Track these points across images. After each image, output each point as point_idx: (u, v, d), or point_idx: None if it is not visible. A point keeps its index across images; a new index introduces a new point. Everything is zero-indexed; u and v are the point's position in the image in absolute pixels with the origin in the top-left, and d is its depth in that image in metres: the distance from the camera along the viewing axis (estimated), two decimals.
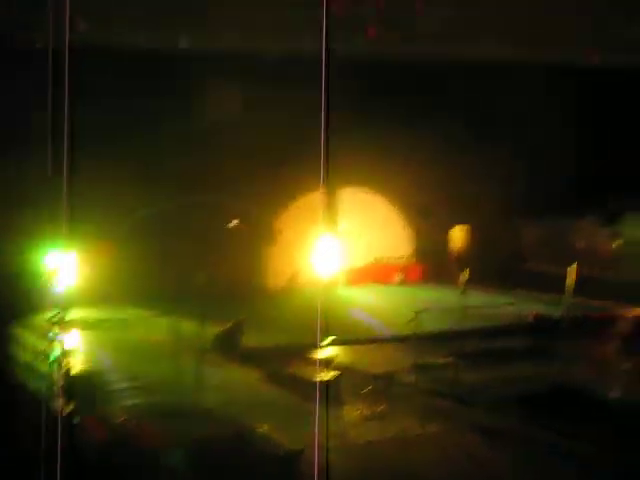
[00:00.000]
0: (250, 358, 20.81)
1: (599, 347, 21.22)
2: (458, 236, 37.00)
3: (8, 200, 26.83)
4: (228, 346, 21.42)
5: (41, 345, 14.25)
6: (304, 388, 17.91)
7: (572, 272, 17.24)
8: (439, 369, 18.97)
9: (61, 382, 12.17)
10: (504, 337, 21.17)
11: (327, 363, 19.59)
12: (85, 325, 22.92)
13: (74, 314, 23.49)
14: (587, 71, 33.93)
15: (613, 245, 33.22)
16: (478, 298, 24.12)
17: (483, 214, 35.87)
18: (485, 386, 17.74)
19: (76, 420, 9.29)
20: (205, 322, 17.29)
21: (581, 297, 22.58)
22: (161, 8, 27.10)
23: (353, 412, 16.54)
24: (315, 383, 17.92)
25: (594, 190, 33.93)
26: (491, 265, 34.38)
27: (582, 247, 34.34)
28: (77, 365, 12.62)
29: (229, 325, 21.71)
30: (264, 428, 15.06)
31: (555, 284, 26.81)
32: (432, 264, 35.32)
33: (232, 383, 18.79)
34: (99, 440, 8.06)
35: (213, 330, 21.27)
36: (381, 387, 18.29)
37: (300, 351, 21.47)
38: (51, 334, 13.98)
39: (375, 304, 29.33)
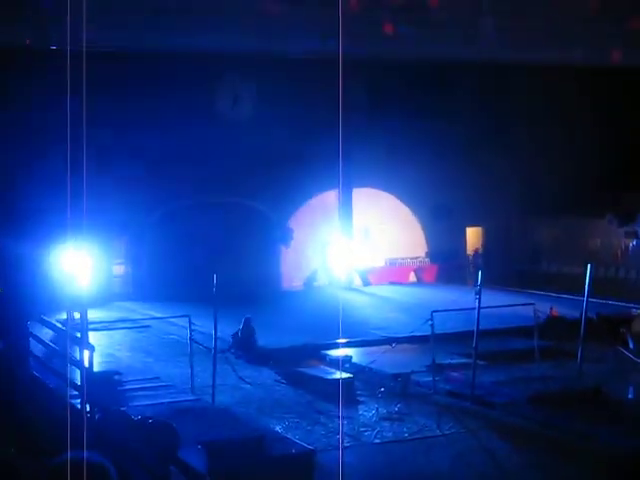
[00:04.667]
0: (266, 358, 20.88)
1: (616, 347, 21.18)
2: (473, 237, 36.97)
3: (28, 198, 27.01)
4: (244, 346, 21.52)
5: (61, 343, 14.31)
6: (320, 388, 17.97)
7: (588, 272, 17.19)
8: (456, 369, 18.97)
9: (81, 380, 12.24)
10: (521, 337, 21.12)
11: (343, 363, 19.63)
12: (103, 324, 23.03)
13: (93, 314, 23.65)
14: (603, 70, 33.80)
15: (629, 244, 33.10)
16: (494, 298, 24.06)
17: (498, 214, 35.84)
18: (503, 386, 17.72)
19: (97, 417, 9.36)
20: (221, 322, 17.32)
21: (598, 297, 22.48)
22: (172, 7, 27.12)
23: (369, 412, 16.54)
24: (331, 382, 18.00)
25: (609, 190, 33.82)
26: (506, 266, 34.36)
27: (598, 247, 34.24)
28: (96, 364, 12.70)
29: (242, 325, 21.83)
30: (279, 428, 15.11)
31: (571, 284, 26.76)
32: (447, 265, 35.30)
33: (248, 383, 18.86)
34: (118, 438, 8.10)
35: (229, 330, 21.36)
36: (397, 387, 18.31)
37: (316, 351, 21.54)
38: (71, 332, 14.07)
39: (391, 304, 29.33)
